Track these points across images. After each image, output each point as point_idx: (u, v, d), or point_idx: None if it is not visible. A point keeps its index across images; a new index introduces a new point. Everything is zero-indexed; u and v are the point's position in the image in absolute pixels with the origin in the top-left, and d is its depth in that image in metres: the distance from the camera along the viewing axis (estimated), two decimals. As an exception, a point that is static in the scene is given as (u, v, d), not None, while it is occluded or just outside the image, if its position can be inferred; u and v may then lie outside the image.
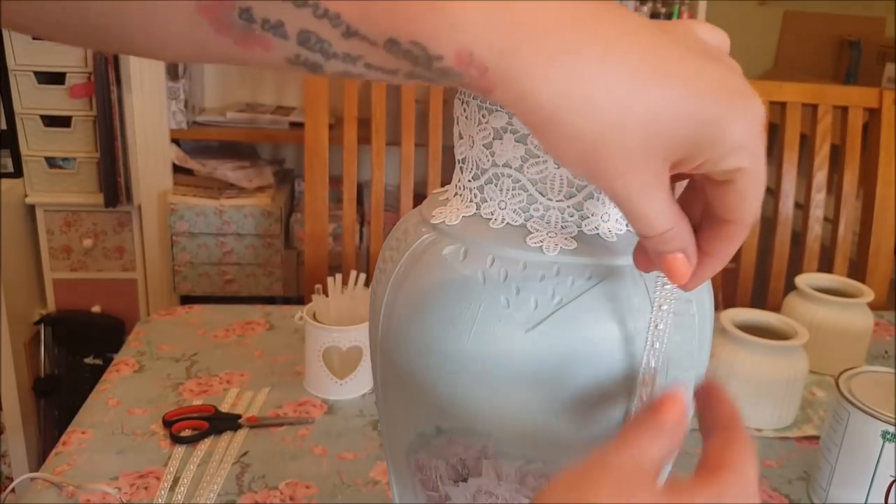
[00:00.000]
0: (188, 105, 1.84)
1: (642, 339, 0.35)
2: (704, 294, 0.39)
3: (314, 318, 0.79)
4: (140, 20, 0.26)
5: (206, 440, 0.71)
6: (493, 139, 0.37)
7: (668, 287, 0.35)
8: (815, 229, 1.23)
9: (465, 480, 0.38)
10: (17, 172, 1.73)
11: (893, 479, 0.60)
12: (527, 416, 0.36)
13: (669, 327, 0.36)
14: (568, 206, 0.36)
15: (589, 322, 0.35)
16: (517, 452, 0.36)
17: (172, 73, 1.77)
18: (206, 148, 1.99)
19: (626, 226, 0.37)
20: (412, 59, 0.25)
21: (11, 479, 1.71)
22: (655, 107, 0.26)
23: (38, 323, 1.77)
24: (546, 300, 0.35)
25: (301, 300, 1.72)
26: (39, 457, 1.76)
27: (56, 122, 1.70)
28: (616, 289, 0.35)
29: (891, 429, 0.59)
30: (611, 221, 0.37)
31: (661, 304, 0.35)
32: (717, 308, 1.25)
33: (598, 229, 0.37)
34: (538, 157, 0.36)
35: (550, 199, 0.36)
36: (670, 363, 0.36)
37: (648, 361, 0.35)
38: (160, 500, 0.62)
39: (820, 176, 1.21)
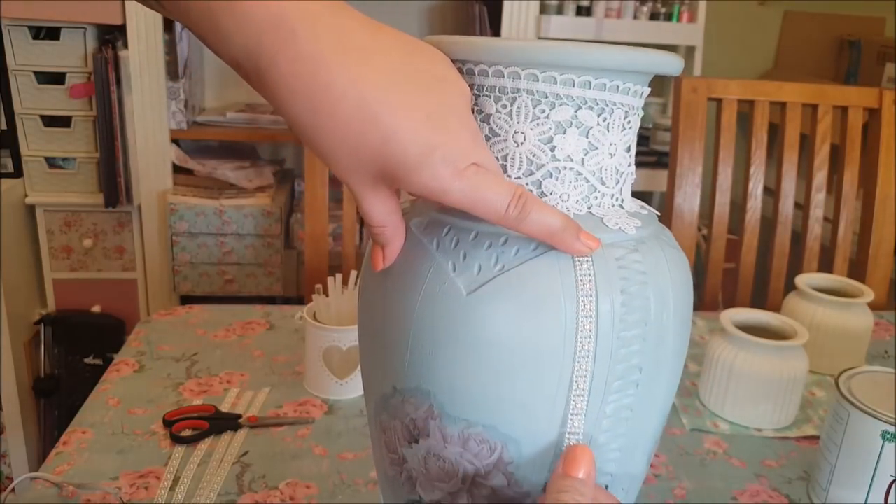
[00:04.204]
0: (188, 105, 1.84)
1: (581, 309, 0.36)
2: (666, 281, 0.38)
3: (314, 318, 0.79)
4: None
5: (206, 440, 0.71)
6: None
7: None
8: (815, 229, 1.23)
9: (416, 442, 0.40)
10: (17, 172, 1.73)
11: (893, 479, 0.60)
12: (463, 377, 0.37)
13: None
14: (527, 184, 0.38)
15: (528, 291, 0.35)
16: (458, 414, 0.38)
17: (172, 73, 1.77)
18: (206, 148, 1.99)
19: (588, 208, 0.39)
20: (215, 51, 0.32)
21: (11, 479, 1.71)
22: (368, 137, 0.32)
23: (38, 323, 1.77)
24: (489, 266, 0.36)
25: (301, 300, 1.72)
26: (39, 457, 1.76)
27: (56, 122, 1.69)
28: (563, 264, 0.36)
29: (891, 429, 0.59)
30: (570, 202, 0.38)
31: None
32: (717, 308, 1.25)
33: (556, 208, 0.38)
34: (499, 136, 0.38)
35: (509, 177, 0.38)
36: (619, 340, 0.36)
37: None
38: (160, 500, 0.62)
39: (820, 176, 1.21)
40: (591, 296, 0.35)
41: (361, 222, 1.87)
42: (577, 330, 0.35)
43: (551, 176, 0.38)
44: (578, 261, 0.36)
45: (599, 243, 0.36)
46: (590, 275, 0.36)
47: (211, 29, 0.31)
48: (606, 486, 0.40)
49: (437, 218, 0.39)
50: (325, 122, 0.32)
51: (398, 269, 0.39)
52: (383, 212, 0.36)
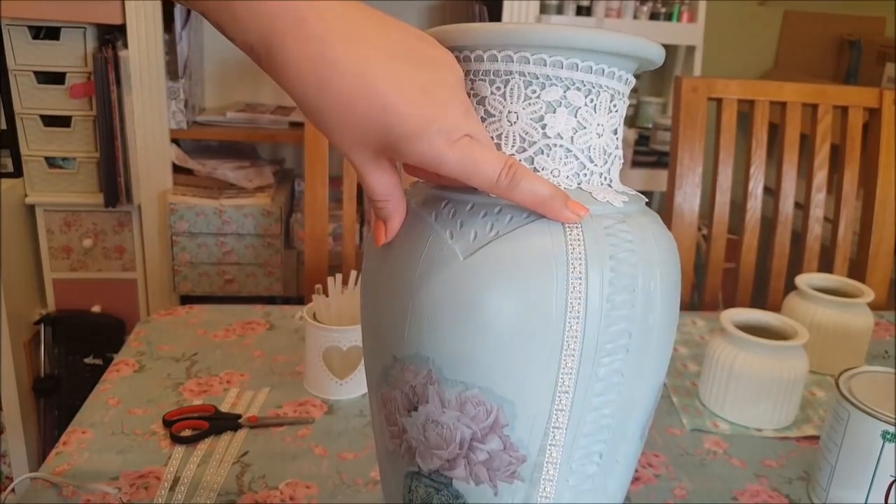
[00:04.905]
0: (188, 105, 1.84)
1: (571, 271, 0.38)
2: (653, 251, 0.40)
3: (314, 318, 0.79)
4: None
5: (206, 440, 0.71)
6: None
7: None
8: (815, 229, 1.23)
9: (415, 409, 0.41)
10: (17, 172, 1.73)
11: (893, 479, 0.60)
12: (460, 340, 0.39)
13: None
14: (520, 160, 0.40)
15: (521, 254, 0.38)
16: (456, 377, 0.39)
17: (172, 73, 1.77)
18: (206, 148, 1.99)
19: (578, 184, 0.41)
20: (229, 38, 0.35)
21: (11, 479, 1.71)
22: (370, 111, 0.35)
23: (38, 323, 1.77)
24: (484, 233, 0.39)
25: (301, 300, 1.72)
26: (39, 457, 1.76)
27: (56, 122, 1.69)
28: (554, 230, 0.38)
29: (891, 429, 0.59)
30: (560, 177, 0.41)
31: None
32: (717, 308, 1.24)
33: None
34: (494, 116, 0.41)
35: (503, 153, 0.40)
36: (608, 304, 0.38)
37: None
38: (160, 500, 0.62)
39: (820, 176, 1.21)
40: (580, 259, 0.37)
41: (361, 222, 1.87)
42: (568, 291, 0.37)
43: (543, 153, 0.40)
44: (568, 227, 0.38)
45: (587, 211, 0.38)
46: (579, 240, 0.38)
47: (227, 18, 0.34)
48: (601, 456, 0.41)
49: (435, 194, 0.42)
50: (331, 98, 0.35)
51: (399, 241, 0.41)
52: (386, 185, 0.39)
